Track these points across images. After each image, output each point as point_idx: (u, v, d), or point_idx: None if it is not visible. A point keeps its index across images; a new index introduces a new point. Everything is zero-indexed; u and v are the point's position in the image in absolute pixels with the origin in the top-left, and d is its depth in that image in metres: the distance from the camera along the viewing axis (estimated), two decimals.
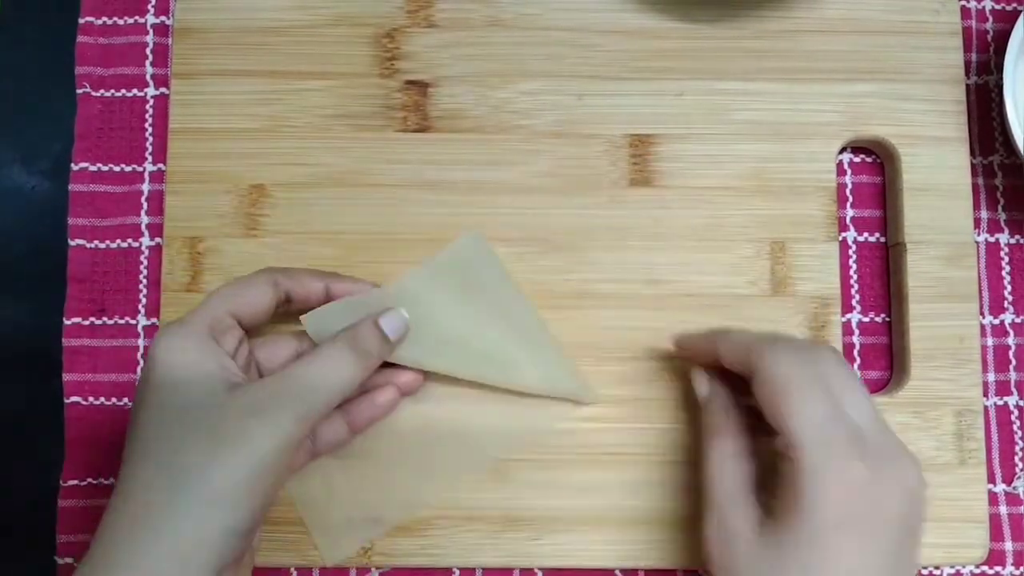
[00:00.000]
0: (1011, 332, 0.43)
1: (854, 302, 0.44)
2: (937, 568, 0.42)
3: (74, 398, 0.42)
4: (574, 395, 0.41)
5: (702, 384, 0.39)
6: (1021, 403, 0.43)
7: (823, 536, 0.32)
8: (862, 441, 0.33)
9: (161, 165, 0.44)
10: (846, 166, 0.45)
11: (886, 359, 0.44)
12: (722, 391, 0.38)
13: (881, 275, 0.44)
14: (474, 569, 0.42)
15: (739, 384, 0.37)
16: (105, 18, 0.45)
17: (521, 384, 0.41)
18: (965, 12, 0.45)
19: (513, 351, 0.41)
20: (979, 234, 0.44)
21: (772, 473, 0.35)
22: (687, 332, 0.40)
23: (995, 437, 0.43)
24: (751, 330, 0.38)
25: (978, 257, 0.44)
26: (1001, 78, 0.41)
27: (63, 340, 0.43)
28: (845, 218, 0.44)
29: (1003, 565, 0.42)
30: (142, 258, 0.43)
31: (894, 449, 0.34)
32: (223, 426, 0.32)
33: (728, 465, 0.36)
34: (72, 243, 0.43)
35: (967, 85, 0.44)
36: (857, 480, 0.32)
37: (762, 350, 0.35)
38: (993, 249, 0.44)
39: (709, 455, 0.37)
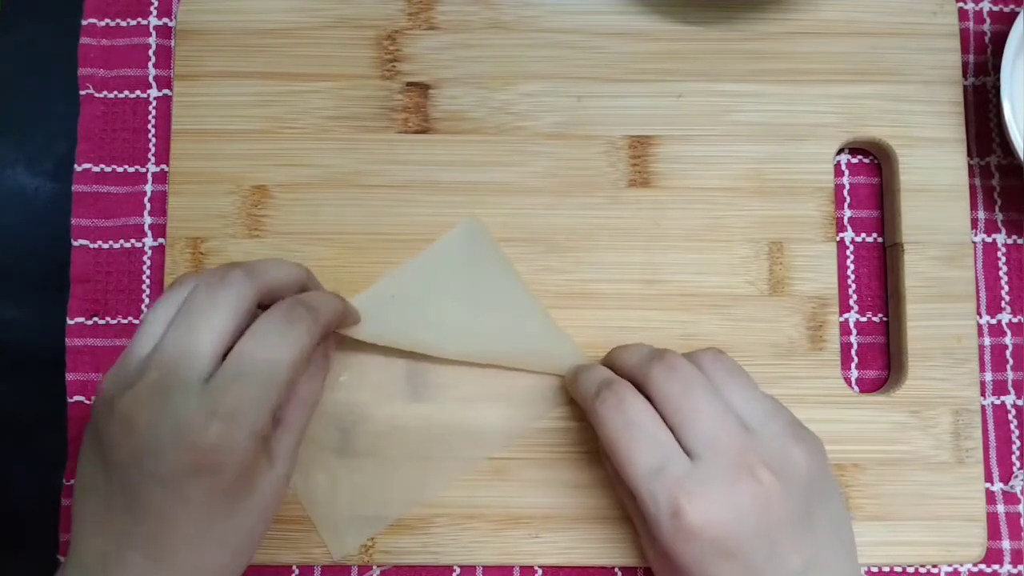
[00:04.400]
0: (1008, 332, 0.43)
1: (852, 302, 0.44)
2: (935, 567, 0.42)
3: (77, 397, 0.43)
4: None
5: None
6: (1018, 402, 0.43)
7: (696, 569, 0.33)
8: (711, 455, 0.33)
9: (164, 166, 0.44)
10: (844, 167, 0.45)
11: (883, 359, 0.44)
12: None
13: (879, 275, 0.44)
14: (475, 567, 0.42)
15: None
16: (108, 20, 0.45)
17: (524, 364, 0.41)
18: (963, 14, 0.45)
19: (514, 332, 0.41)
20: (976, 234, 0.44)
21: None
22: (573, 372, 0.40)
23: (992, 436, 0.43)
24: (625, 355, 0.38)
25: (975, 257, 0.44)
26: (999, 79, 0.41)
27: (66, 340, 0.43)
28: (843, 219, 0.44)
29: (1000, 563, 0.42)
30: (145, 258, 0.44)
31: (787, 438, 0.34)
32: None
33: (622, 487, 0.37)
34: (75, 243, 0.44)
35: (964, 86, 0.44)
36: (706, 510, 0.32)
37: (593, 407, 0.36)
38: (990, 249, 0.44)
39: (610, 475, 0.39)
